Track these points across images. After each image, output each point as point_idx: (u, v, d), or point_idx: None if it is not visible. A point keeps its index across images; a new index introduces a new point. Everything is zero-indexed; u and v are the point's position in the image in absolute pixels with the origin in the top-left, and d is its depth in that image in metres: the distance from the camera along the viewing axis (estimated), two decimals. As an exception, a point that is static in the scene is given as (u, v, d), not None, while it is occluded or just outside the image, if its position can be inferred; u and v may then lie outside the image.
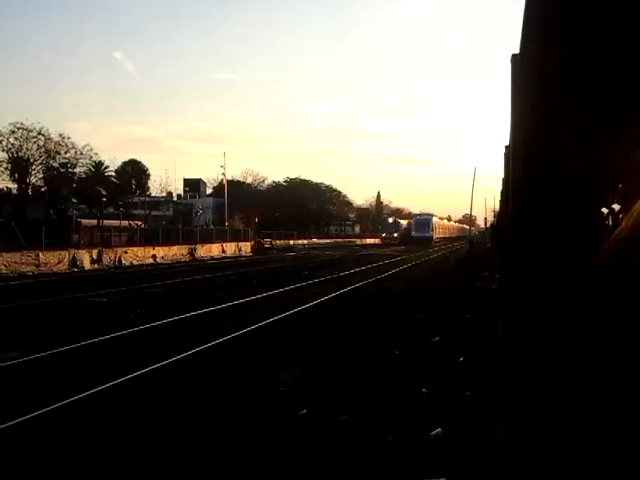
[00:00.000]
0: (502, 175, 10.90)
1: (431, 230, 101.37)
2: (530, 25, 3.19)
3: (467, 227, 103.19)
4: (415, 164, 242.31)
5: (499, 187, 15.32)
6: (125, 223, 55.60)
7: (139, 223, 57.47)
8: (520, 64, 3.83)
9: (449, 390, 8.87)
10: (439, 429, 7.15)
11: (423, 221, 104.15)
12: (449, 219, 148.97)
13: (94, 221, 53.26)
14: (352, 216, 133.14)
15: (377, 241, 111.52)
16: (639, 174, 2.24)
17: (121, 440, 7.19)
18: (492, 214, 77.82)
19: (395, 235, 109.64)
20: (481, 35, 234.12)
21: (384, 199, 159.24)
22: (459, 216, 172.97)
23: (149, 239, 48.86)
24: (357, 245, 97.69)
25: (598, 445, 1.96)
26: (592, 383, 2.09)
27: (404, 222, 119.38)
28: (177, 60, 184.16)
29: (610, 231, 2.17)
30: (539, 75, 2.81)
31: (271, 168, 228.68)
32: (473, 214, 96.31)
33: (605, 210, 2.13)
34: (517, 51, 4.03)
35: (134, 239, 49.32)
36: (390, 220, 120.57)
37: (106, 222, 52.27)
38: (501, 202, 16.02)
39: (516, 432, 3.27)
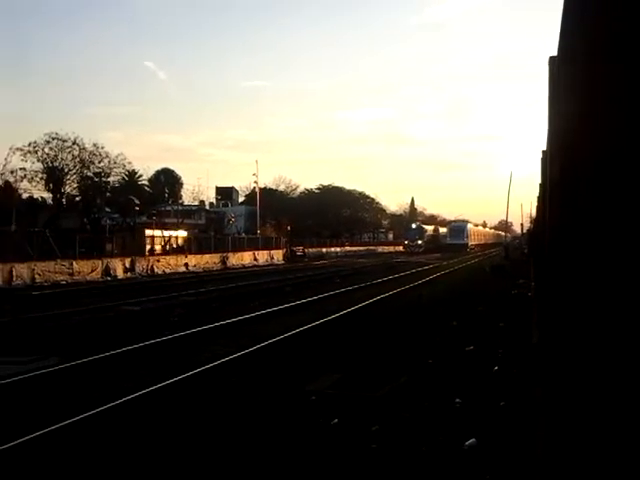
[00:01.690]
0: (539, 180, 10.75)
1: (466, 237, 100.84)
2: (568, 26, 3.10)
3: (503, 233, 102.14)
4: (450, 170, 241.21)
5: (535, 193, 15.15)
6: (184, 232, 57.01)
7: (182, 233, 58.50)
8: (558, 66, 3.74)
9: (483, 400, 8.73)
10: (473, 439, 7.02)
11: (458, 228, 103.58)
12: (484, 225, 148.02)
13: (158, 231, 54.32)
14: (385, 223, 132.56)
15: (398, 249, 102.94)
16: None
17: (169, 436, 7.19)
18: (528, 220, 77.18)
19: (419, 242, 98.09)
20: (518, 38, 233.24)
21: (418, 205, 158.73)
22: (495, 222, 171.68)
23: (181, 248, 49.14)
24: (388, 252, 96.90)
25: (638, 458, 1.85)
26: (629, 392, 1.99)
27: (429, 228, 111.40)
28: (209, 68, 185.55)
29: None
30: (578, 77, 2.72)
31: (304, 176, 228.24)
32: (509, 220, 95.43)
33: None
34: (554, 53, 3.95)
35: (190, 248, 51.22)
36: (413, 226, 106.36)
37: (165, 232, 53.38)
38: (538, 208, 15.82)
39: (553, 444, 3.17)
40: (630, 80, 2.08)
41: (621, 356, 2.13)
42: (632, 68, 2.05)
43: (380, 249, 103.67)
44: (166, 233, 51.09)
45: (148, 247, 47.07)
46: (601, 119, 2.27)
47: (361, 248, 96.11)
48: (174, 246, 51.50)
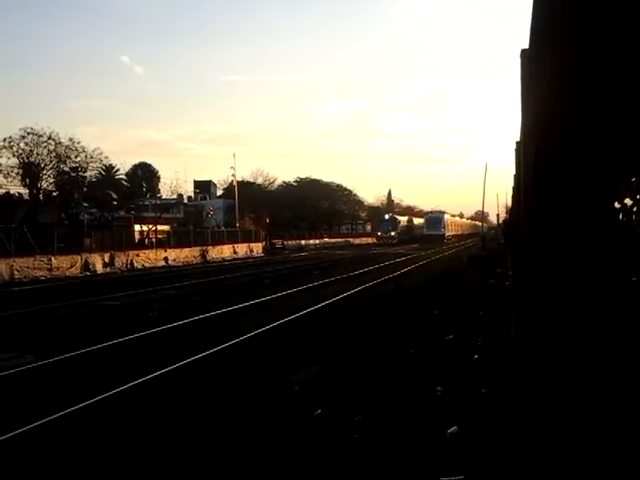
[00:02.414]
0: (513, 171, 10.86)
1: (443, 227, 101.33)
2: (539, 19, 3.16)
3: (479, 224, 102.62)
4: (426, 162, 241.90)
5: (511, 183, 15.27)
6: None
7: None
8: (529, 59, 3.80)
9: (464, 388, 8.84)
10: (455, 427, 7.11)
11: (435, 219, 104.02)
12: (461, 216, 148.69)
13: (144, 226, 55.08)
14: (363, 215, 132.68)
15: (371, 241, 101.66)
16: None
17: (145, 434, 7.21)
18: (504, 210, 77.66)
19: (392, 234, 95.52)
20: (491, 31, 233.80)
21: (395, 197, 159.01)
22: (471, 213, 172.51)
23: (160, 242, 49.00)
24: (366, 244, 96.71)
25: (616, 446, 1.93)
26: (607, 380, 2.07)
27: (403, 219, 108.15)
28: (185, 63, 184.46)
29: (623, 226, 2.13)
30: (548, 70, 2.78)
31: (281, 169, 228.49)
32: (485, 211, 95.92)
33: (617, 205, 2.11)
34: (526, 46, 4.00)
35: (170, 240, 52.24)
36: (386, 217, 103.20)
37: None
38: (513, 198, 15.95)
39: (531, 431, 3.24)
40: (596, 74, 2.15)
41: (594, 344, 2.20)
42: (598, 62, 2.11)
43: (358, 241, 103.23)
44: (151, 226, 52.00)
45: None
46: (569, 112, 2.33)
47: (339, 240, 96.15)
48: (160, 239, 52.74)
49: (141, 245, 47.12)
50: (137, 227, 52.95)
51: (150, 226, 52.44)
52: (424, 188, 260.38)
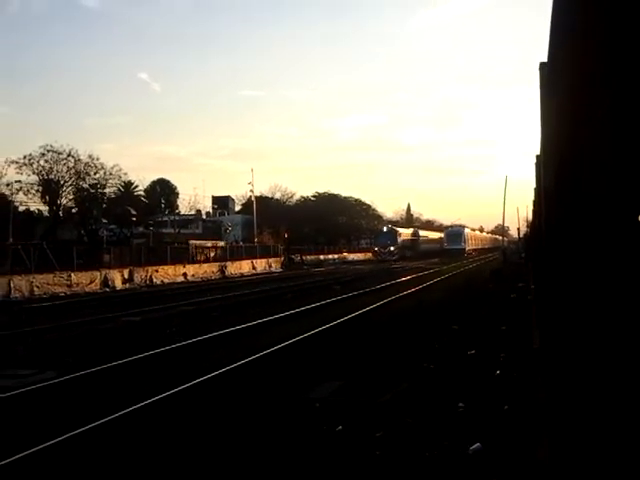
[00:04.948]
0: (534, 184, 10.80)
1: (463, 242, 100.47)
2: (558, 32, 3.15)
3: (500, 238, 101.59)
4: (446, 175, 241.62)
5: (531, 196, 15.17)
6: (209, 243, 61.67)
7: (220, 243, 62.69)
8: (549, 72, 3.78)
9: (486, 404, 8.75)
10: (478, 444, 7.04)
11: (455, 232, 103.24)
12: (481, 230, 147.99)
13: (205, 242, 57.21)
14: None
15: (365, 256, 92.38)
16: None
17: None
18: (525, 224, 77.21)
19: (392, 249, 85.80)
20: (511, 43, 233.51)
21: (414, 211, 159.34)
22: (491, 226, 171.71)
23: (179, 257, 49.19)
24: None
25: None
26: (634, 396, 2.03)
27: (406, 232, 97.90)
28: (203, 79, 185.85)
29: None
30: (568, 82, 2.76)
31: (299, 183, 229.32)
32: (506, 224, 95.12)
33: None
34: (545, 57, 3.98)
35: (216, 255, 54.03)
36: (385, 229, 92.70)
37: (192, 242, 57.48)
38: (534, 212, 15.86)
39: (557, 448, 3.20)
40: (616, 87, 2.12)
41: (619, 358, 2.17)
42: (618, 75, 2.09)
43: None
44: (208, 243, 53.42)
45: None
46: (590, 125, 2.31)
47: (359, 255, 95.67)
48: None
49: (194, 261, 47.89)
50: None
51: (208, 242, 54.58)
52: (444, 202, 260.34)
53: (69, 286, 35.46)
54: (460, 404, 8.81)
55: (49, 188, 53.26)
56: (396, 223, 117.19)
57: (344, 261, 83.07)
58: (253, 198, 79.58)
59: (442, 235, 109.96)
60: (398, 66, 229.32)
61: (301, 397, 9.73)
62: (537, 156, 8.12)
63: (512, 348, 12.53)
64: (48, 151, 51.81)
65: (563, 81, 2.93)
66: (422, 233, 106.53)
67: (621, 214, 2.19)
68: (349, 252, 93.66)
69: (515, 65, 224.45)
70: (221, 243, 60.94)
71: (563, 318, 3.25)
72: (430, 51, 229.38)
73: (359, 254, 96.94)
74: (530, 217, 32.51)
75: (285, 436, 7.84)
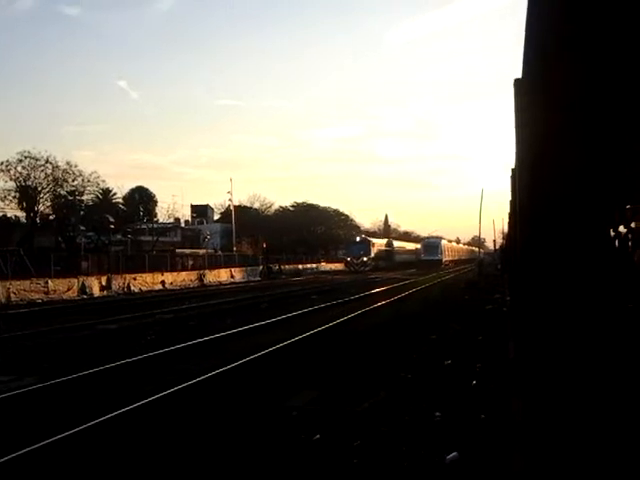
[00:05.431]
0: (509, 197, 10.92)
1: (440, 253, 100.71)
2: (531, 50, 3.23)
3: (476, 249, 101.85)
4: (423, 187, 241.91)
5: (507, 209, 15.33)
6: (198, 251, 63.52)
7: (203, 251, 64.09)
8: (523, 88, 3.87)
9: (463, 413, 8.83)
10: (455, 453, 7.10)
11: (432, 244, 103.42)
12: (458, 241, 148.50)
13: (187, 250, 60.08)
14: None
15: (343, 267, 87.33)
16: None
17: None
18: (501, 236, 77.71)
19: (365, 260, 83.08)
20: (486, 58, 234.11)
21: (392, 222, 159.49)
22: (468, 238, 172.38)
23: (157, 265, 48.98)
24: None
25: (617, 473, 1.96)
26: (606, 404, 2.10)
27: (379, 242, 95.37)
28: (181, 87, 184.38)
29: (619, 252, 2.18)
30: (541, 100, 2.84)
31: (278, 193, 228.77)
32: (482, 236, 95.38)
33: (613, 232, 2.16)
34: (519, 74, 4.06)
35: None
36: (357, 239, 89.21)
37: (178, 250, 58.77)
38: (509, 224, 16.02)
39: (531, 457, 3.27)
40: (589, 106, 2.21)
41: (592, 368, 2.24)
42: (591, 94, 2.17)
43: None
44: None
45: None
46: (563, 141, 2.39)
47: (337, 264, 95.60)
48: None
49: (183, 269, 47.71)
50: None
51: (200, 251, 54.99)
52: (421, 213, 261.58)
53: (46, 293, 35.22)
54: (437, 413, 8.88)
55: (26, 194, 52.84)
56: (373, 234, 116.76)
57: (322, 271, 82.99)
58: (232, 207, 79.54)
59: (418, 246, 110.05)
60: (377, 78, 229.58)
61: (278, 406, 9.75)
62: (512, 169, 8.24)
63: (488, 358, 12.64)
64: (26, 157, 51.46)
65: (536, 97, 3.01)
66: (397, 244, 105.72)
67: (592, 227, 2.27)
68: (327, 262, 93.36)
69: (492, 80, 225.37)
70: (202, 252, 61.05)
71: (537, 329, 3.32)
72: (408, 64, 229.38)
73: (337, 264, 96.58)
74: (506, 229, 32.80)
75: (263, 445, 7.86)
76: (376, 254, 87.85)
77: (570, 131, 2.41)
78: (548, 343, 2.90)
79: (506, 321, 15.39)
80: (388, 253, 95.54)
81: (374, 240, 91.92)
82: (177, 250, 59.30)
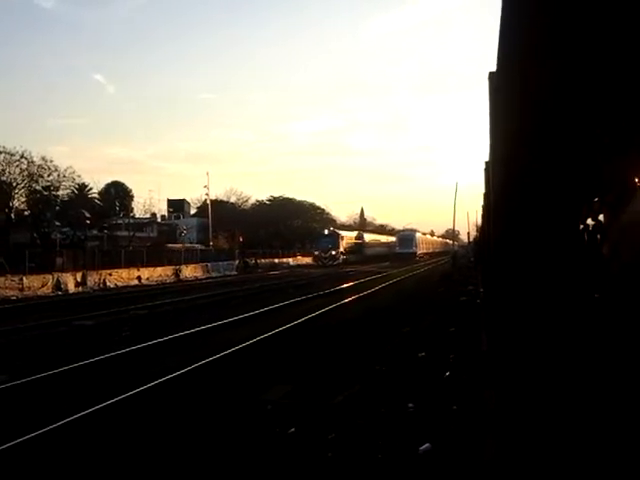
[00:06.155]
0: (483, 190, 11.00)
1: (415, 246, 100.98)
2: (505, 44, 3.26)
3: (450, 242, 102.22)
4: (398, 180, 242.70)
5: (481, 201, 15.44)
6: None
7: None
8: (497, 82, 3.90)
9: (436, 405, 8.90)
10: (427, 444, 7.17)
11: (407, 237, 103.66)
12: (432, 234, 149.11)
13: (179, 245, 60.99)
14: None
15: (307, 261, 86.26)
16: (614, 191, 2.31)
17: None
18: (475, 228, 78.20)
19: (333, 253, 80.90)
20: (461, 51, 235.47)
21: (368, 216, 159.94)
22: (442, 231, 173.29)
23: (133, 260, 48.67)
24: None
25: (588, 460, 2.00)
26: (576, 393, 2.15)
27: (349, 234, 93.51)
28: (158, 81, 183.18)
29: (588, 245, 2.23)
30: (515, 94, 2.87)
31: (255, 187, 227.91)
32: (456, 229, 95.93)
33: (581, 226, 2.20)
34: (494, 66, 4.10)
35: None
36: (325, 232, 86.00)
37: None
38: (483, 216, 16.13)
39: (502, 446, 3.31)
40: (560, 100, 2.25)
41: (562, 358, 2.28)
42: (563, 89, 2.21)
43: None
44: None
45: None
46: (535, 135, 2.43)
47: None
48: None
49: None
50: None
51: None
52: (396, 207, 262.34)
53: (21, 289, 34.85)
54: (410, 405, 8.95)
55: (1, 190, 52.27)
56: (349, 227, 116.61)
57: (298, 265, 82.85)
58: (209, 201, 79.27)
59: (391, 239, 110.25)
60: (351, 71, 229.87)
61: (253, 400, 9.76)
62: (486, 162, 8.30)
63: (461, 350, 12.74)
64: (0, 152, 50.92)
65: (510, 91, 3.04)
66: (368, 236, 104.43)
67: (564, 220, 2.31)
68: (303, 256, 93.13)
69: (467, 72, 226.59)
70: (198, 246, 61.42)
71: (509, 321, 3.36)
72: (382, 57, 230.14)
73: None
74: (480, 222, 33.01)
75: (237, 439, 7.88)
76: (346, 247, 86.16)
77: (542, 125, 2.45)
78: (520, 334, 2.94)
79: (479, 313, 15.52)
80: (359, 246, 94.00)
81: (343, 233, 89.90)
82: (168, 245, 59.14)
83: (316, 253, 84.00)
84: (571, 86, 2.20)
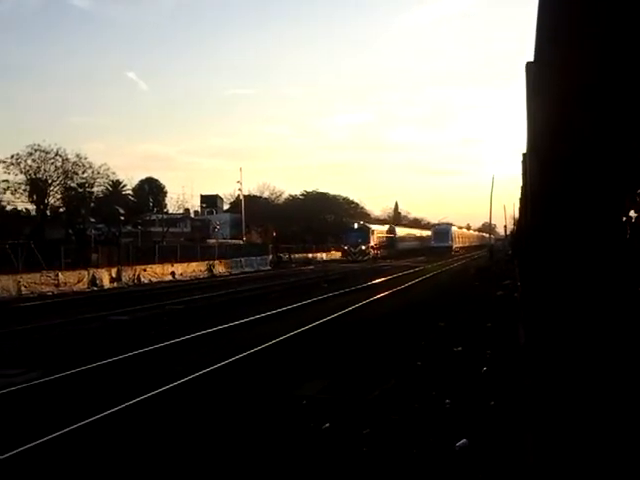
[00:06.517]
0: (520, 182, 10.87)
1: (450, 240, 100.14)
2: (543, 32, 3.18)
3: (487, 235, 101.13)
4: (433, 174, 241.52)
5: (518, 194, 15.26)
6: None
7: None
8: (534, 72, 3.82)
9: (473, 400, 8.80)
10: (464, 440, 7.09)
11: (442, 231, 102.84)
12: (468, 228, 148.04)
13: (213, 240, 62.48)
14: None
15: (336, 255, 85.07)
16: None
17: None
18: (512, 221, 77.43)
19: (363, 248, 78.28)
20: (497, 42, 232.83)
21: (402, 209, 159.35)
22: (478, 224, 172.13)
23: (167, 256, 48.96)
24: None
25: (631, 460, 1.93)
26: (619, 389, 2.07)
27: (380, 228, 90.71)
28: (191, 77, 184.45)
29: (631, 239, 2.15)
30: (553, 83, 2.80)
31: (288, 182, 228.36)
32: (493, 222, 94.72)
33: (624, 218, 2.12)
34: (531, 56, 4.02)
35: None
36: (355, 225, 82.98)
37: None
38: (520, 209, 15.94)
39: (542, 444, 3.24)
40: (601, 88, 2.17)
41: (604, 354, 2.21)
42: (603, 76, 2.13)
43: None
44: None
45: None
46: (575, 125, 2.35)
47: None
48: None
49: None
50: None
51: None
52: (431, 200, 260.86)
53: (57, 285, 35.27)
54: (447, 400, 8.86)
55: (37, 187, 52.89)
56: (383, 221, 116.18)
57: (332, 259, 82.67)
58: (241, 197, 79.51)
59: (424, 233, 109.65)
60: (388, 64, 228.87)
61: (288, 395, 9.76)
62: (524, 154, 8.18)
63: (498, 345, 12.60)
64: (36, 150, 51.43)
65: (549, 80, 2.96)
66: (401, 230, 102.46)
67: (605, 212, 2.23)
68: (336, 250, 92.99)
69: (503, 64, 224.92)
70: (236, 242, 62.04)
71: (548, 315, 3.29)
72: (418, 50, 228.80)
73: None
74: (517, 214, 32.66)
75: (272, 434, 7.87)
76: (377, 242, 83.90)
77: (581, 115, 2.37)
78: (559, 329, 2.87)
79: (516, 307, 15.34)
80: (390, 240, 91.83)
81: (374, 227, 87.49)
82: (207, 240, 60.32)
83: (345, 248, 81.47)
84: (614, 73, 2.12)
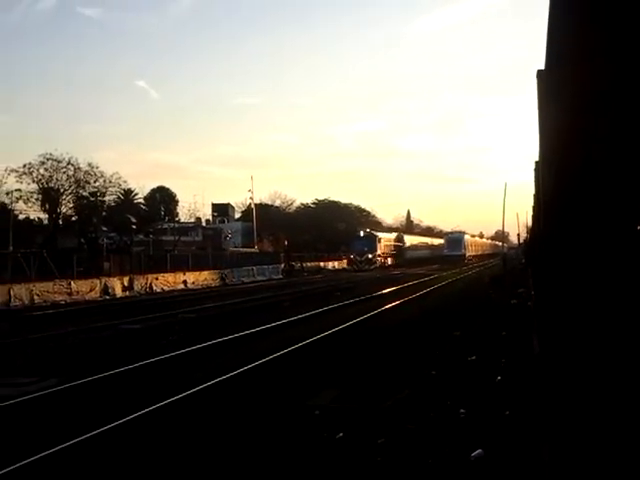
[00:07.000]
0: (533, 190, 10.82)
1: (463, 248, 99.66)
2: (554, 41, 3.18)
3: (500, 244, 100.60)
4: (445, 182, 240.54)
5: (531, 202, 15.18)
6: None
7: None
8: (545, 80, 3.82)
9: (488, 410, 8.75)
10: (480, 450, 7.04)
11: (455, 239, 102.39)
12: (481, 236, 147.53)
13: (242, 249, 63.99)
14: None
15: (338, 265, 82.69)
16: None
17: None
18: (525, 230, 76.96)
19: (370, 257, 76.29)
20: (508, 50, 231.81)
21: (414, 218, 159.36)
22: (491, 233, 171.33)
23: (179, 265, 49.06)
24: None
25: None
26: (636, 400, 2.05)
27: (387, 236, 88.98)
28: (201, 86, 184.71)
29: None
30: (564, 91, 2.79)
31: (300, 190, 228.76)
32: (505, 230, 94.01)
33: (639, 227, 2.10)
34: (542, 65, 4.01)
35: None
36: (361, 234, 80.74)
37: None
38: (533, 217, 15.88)
39: (559, 453, 3.22)
40: (612, 95, 2.15)
41: (618, 363, 2.19)
42: (614, 84, 2.11)
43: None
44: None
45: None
46: (588, 132, 2.34)
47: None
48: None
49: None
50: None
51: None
52: (443, 208, 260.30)
53: (69, 294, 35.42)
54: (461, 410, 8.81)
55: (49, 196, 53.26)
56: (395, 230, 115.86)
57: (344, 268, 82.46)
58: (253, 205, 79.70)
59: (435, 241, 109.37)
60: (398, 72, 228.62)
61: (301, 405, 9.73)
62: (536, 162, 8.15)
63: (513, 354, 12.53)
64: (48, 159, 51.85)
65: (560, 88, 2.96)
66: (410, 239, 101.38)
67: (620, 221, 2.22)
68: (347, 259, 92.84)
69: (515, 72, 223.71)
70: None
71: (562, 323, 3.27)
72: (429, 58, 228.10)
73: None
74: (530, 223, 32.52)
75: (285, 444, 7.84)
76: (384, 250, 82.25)
77: (594, 122, 2.36)
78: (572, 338, 2.85)
79: (531, 316, 15.26)
80: (399, 249, 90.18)
81: (381, 235, 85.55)
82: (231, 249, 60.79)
83: (351, 256, 79.36)
84: (627, 81, 2.11)
